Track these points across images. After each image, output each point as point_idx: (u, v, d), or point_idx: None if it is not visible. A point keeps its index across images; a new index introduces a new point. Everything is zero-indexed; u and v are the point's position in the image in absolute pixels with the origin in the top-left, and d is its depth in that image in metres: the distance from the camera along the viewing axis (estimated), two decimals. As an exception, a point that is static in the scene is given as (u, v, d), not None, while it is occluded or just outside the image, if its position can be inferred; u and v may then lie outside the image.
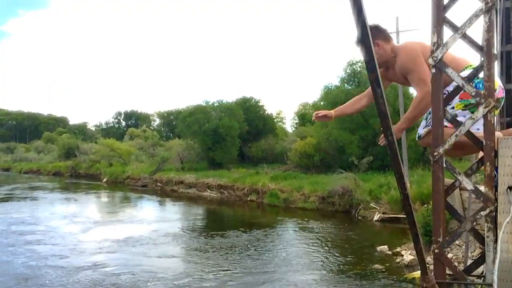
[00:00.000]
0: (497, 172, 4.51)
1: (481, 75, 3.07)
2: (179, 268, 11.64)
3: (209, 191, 27.32)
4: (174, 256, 12.95)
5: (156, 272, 11.10)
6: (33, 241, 14.59)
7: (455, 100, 2.79)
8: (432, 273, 3.41)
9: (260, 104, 40.21)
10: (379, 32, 3.13)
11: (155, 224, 17.83)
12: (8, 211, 20.84)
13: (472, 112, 2.82)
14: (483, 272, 4.68)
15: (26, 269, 11.49)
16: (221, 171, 31.10)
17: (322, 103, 31.44)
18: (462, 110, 2.80)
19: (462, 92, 2.83)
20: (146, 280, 10.56)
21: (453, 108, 2.81)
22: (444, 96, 2.92)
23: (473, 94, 4.55)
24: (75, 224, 17.67)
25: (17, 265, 11.88)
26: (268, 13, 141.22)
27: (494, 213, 4.35)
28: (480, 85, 2.88)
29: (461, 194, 10.27)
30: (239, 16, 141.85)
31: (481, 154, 3.08)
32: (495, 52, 4.78)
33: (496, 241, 4.24)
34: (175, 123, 56.72)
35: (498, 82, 2.95)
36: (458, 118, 2.78)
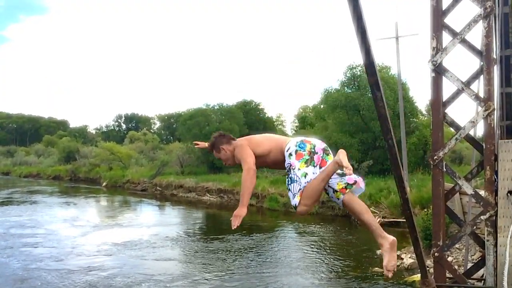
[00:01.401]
0: (497, 176, 4.52)
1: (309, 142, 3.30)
2: (177, 271, 11.62)
3: (208, 195, 27.30)
4: (172, 259, 12.94)
5: (153, 275, 11.09)
6: (31, 244, 14.57)
7: (295, 162, 3.18)
8: (432, 276, 3.41)
9: (260, 107, 40.27)
10: (222, 138, 3.60)
11: (154, 228, 17.81)
12: (7, 215, 20.81)
13: (314, 166, 3.17)
14: (483, 275, 4.67)
15: (23, 271, 11.50)
16: (221, 175, 31.05)
17: (322, 106, 31.48)
18: (307, 166, 3.16)
19: (296, 153, 3.19)
20: (141, 282, 10.56)
21: (299, 169, 3.17)
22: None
23: (473, 97, 4.56)
24: (73, 228, 17.65)
25: (14, 267, 11.89)
26: (268, 16, 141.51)
27: (494, 217, 4.36)
28: (302, 145, 3.23)
29: (461, 199, 10.28)
30: (240, 19, 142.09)
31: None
32: (494, 56, 4.81)
33: (496, 244, 4.25)
34: (176, 126, 56.75)
35: (312, 141, 3.29)
36: (308, 176, 3.13)
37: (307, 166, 3.15)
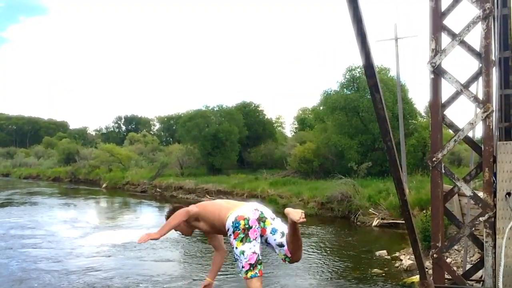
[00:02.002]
0: (495, 178, 4.52)
1: None
2: (176, 272, 11.62)
3: (208, 196, 27.28)
4: (171, 260, 12.93)
5: (152, 276, 11.09)
6: (31, 245, 14.56)
7: (233, 241, 3.42)
8: (431, 278, 3.42)
9: (260, 109, 40.28)
10: (171, 214, 3.70)
11: (153, 229, 17.61)
12: (7, 216, 20.78)
13: (250, 242, 3.41)
14: (482, 276, 4.68)
15: (22, 271, 11.51)
16: (220, 176, 31.06)
17: (321, 108, 31.50)
18: (243, 244, 3.39)
19: (234, 233, 3.42)
20: (140, 282, 10.56)
21: (237, 248, 3.41)
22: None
23: (471, 98, 4.57)
24: (73, 229, 17.64)
25: (13, 267, 11.90)
26: (268, 16, 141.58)
27: (493, 219, 4.36)
28: (237, 224, 3.42)
29: (459, 200, 10.29)
30: (239, 19, 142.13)
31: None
32: (493, 58, 4.82)
33: (495, 246, 4.25)
34: (175, 128, 56.77)
35: (245, 215, 3.46)
36: (245, 252, 3.39)
37: (243, 244, 3.40)
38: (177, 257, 13.40)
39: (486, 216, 4.41)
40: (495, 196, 4.39)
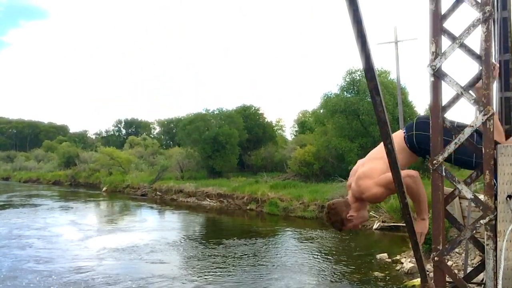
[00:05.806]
0: (496, 180, 4.52)
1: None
2: (176, 275, 11.60)
3: (208, 200, 27.27)
4: (171, 263, 12.91)
5: (151, 278, 11.08)
6: (27, 246, 14.57)
7: None
8: (432, 281, 3.42)
9: (260, 112, 40.31)
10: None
11: (153, 232, 17.78)
12: (6, 218, 20.77)
13: None
14: (483, 279, 4.68)
15: (14, 271, 11.60)
16: (221, 179, 31.05)
17: (321, 111, 31.51)
18: None
19: None
20: (139, 286, 10.53)
21: None
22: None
23: (472, 101, 4.58)
24: (72, 232, 17.63)
25: (5, 267, 11.97)
26: (268, 21, 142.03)
27: (493, 222, 4.35)
28: None
29: (460, 203, 10.27)
30: (239, 24, 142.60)
31: None
32: (494, 61, 4.82)
33: (495, 249, 4.25)
34: (175, 131, 56.81)
35: None
36: None
37: None
38: (177, 261, 13.38)
39: (487, 218, 4.40)
40: (496, 198, 4.38)
